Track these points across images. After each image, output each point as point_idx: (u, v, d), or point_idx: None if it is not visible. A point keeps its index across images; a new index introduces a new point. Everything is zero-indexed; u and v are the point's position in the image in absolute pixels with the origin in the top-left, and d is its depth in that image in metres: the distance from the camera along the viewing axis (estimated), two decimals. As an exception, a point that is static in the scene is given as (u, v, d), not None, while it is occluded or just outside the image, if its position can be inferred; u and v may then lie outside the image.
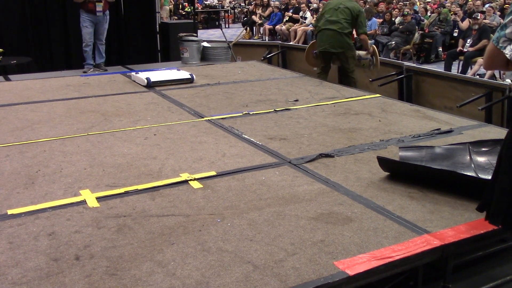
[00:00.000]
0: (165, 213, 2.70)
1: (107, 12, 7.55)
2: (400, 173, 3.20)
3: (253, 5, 19.11)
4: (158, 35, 9.41)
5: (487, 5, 14.08)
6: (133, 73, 6.37)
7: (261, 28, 17.12)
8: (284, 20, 15.92)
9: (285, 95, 5.45)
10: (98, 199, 2.88)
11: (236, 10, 23.11)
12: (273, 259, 2.25)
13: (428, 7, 14.85)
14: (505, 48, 2.03)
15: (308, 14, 15.34)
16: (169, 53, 9.18)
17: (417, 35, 12.36)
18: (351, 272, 2.15)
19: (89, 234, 2.47)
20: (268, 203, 2.84)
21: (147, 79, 5.93)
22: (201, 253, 2.30)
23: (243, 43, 10.37)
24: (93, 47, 7.56)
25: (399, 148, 3.52)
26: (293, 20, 15.64)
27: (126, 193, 2.96)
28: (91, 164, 3.43)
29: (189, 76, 6.14)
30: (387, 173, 3.24)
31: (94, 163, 3.44)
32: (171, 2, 19.54)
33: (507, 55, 2.02)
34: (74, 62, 8.33)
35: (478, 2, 14.64)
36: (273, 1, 18.63)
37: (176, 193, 2.97)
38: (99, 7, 7.34)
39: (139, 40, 9.28)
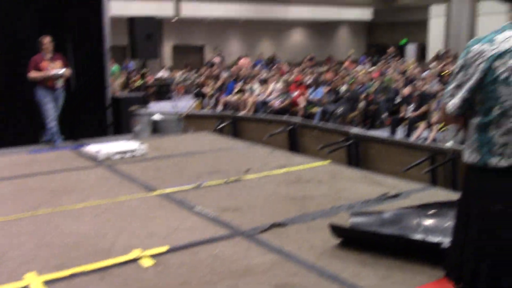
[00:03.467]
0: (116, 294, 2.61)
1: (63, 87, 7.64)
2: (352, 239, 3.24)
3: (203, 78, 19.50)
4: (109, 109, 9.42)
5: (426, 72, 14.91)
6: (84, 148, 6.31)
7: (212, 100, 17.40)
8: (234, 91, 16.27)
9: (237, 165, 5.50)
10: (46, 283, 2.76)
11: (187, 82, 23.49)
12: (228, 336, 2.20)
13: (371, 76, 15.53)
14: (447, 102, 2.20)
15: (256, 86, 15.74)
16: (121, 126, 9.17)
17: (362, 103, 12.85)
18: None
19: (34, 321, 2.35)
20: (222, 277, 2.80)
21: (98, 152, 5.89)
22: (153, 335, 2.22)
23: (195, 115, 10.49)
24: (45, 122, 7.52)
25: (350, 214, 3.59)
26: (243, 91, 16.00)
27: (75, 275, 2.86)
28: (38, 245, 3.30)
29: (139, 146, 6.16)
30: (339, 240, 3.27)
31: (41, 244, 3.32)
32: (122, 75, 19.69)
33: (448, 108, 2.19)
34: (23, 138, 8.16)
35: (417, 70, 15.49)
36: (223, 73, 19.07)
37: (128, 271, 2.89)
38: (59, 83, 7.40)
39: (89, 115, 9.23)
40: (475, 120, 2.17)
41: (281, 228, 3.55)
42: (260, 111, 14.22)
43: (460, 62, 2.20)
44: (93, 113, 9.29)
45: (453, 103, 2.19)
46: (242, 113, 13.63)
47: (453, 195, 4.27)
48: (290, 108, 13.29)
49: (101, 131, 9.11)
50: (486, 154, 2.15)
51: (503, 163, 2.13)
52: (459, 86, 2.17)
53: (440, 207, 3.50)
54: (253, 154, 6.16)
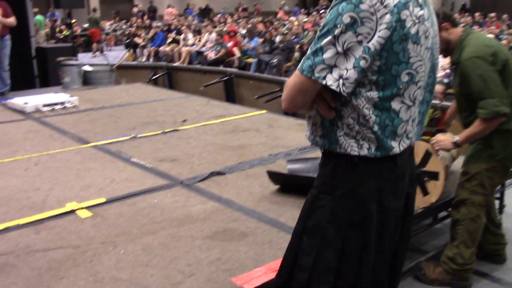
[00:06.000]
0: (52, 247, 2.55)
1: (7, 36, 7.20)
2: (290, 185, 3.31)
3: (134, 27, 18.84)
4: (34, 60, 8.93)
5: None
6: (10, 100, 6.00)
7: (145, 50, 16.92)
8: (168, 41, 15.88)
9: (173, 116, 5.42)
10: (-25, 238, 2.65)
11: (117, 33, 22.65)
12: (170, 282, 2.21)
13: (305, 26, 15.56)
14: (324, 78, 1.50)
15: (190, 35, 15.42)
16: (48, 78, 8.73)
17: (297, 53, 12.91)
18: (248, 286, 2.18)
19: (-34, 278, 2.26)
20: (162, 226, 2.79)
21: (25, 105, 5.62)
22: (93, 285, 2.20)
23: (127, 66, 10.18)
24: None
25: (287, 161, 3.64)
26: (177, 41, 15.65)
27: (7, 229, 2.76)
28: (-35, 201, 3.15)
29: (69, 98, 5.92)
30: (277, 186, 3.33)
31: (-32, 200, 3.17)
32: (46, 25, 18.66)
33: (332, 86, 1.50)
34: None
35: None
36: (155, 23, 18.50)
37: (63, 224, 2.82)
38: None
39: (14, 67, 8.73)
40: (368, 96, 1.55)
41: (220, 177, 3.56)
42: (195, 62, 14.01)
43: (346, 16, 1.47)
44: (18, 65, 8.79)
45: (342, 79, 1.50)
46: (176, 64, 13.38)
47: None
48: (225, 59, 13.17)
49: (27, 83, 8.67)
50: (388, 138, 1.58)
51: (403, 145, 1.63)
52: (345, 53, 1.48)
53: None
54: (189, 104, 6.08)
